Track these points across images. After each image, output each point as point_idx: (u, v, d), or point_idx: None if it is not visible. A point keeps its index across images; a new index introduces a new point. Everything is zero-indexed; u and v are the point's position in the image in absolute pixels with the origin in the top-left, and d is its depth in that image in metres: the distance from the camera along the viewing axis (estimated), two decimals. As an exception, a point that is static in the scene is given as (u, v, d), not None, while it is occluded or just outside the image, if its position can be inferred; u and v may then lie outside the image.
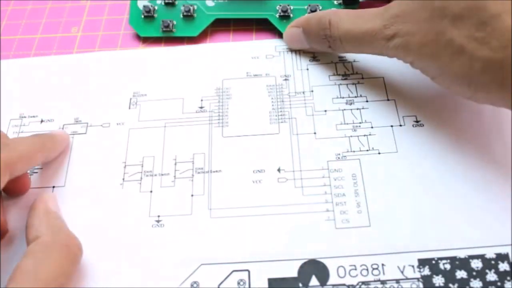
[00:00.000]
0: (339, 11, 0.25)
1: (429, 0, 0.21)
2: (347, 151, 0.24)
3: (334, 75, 0.27)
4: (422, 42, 0.21)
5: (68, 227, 0.22)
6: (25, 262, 0.19)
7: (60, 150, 0.25)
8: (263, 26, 0.30)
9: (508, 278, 0.21)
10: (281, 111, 0.26)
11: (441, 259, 0.21)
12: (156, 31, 0.30)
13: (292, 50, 0.28)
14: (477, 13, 0.19)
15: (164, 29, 0.29)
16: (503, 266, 0.21)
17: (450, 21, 0.20)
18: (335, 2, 0.29)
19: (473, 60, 0.19)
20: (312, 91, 0.27)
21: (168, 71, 0.28)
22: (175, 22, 0.29)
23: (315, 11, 0.29)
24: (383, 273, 0.21)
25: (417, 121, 0.25)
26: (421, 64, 0.22)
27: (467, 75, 0.20)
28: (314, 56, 0.28)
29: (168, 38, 0.30)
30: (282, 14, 0.29)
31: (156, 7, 0.30)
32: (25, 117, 0.27)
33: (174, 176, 0.24)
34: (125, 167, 0.25)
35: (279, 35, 0.29)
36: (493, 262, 0.21)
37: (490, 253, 0.21)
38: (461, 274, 0.21)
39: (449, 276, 0.21)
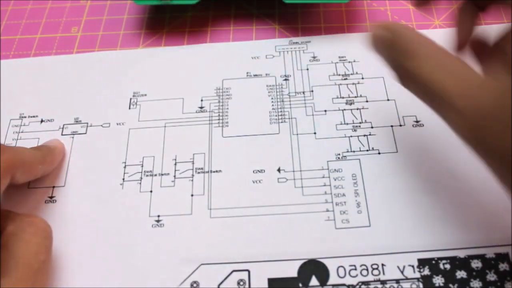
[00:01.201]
0: (435, 47, 0.18)
1: None
2: (347, 151, 0.24)
3: (334, 75, 0.27)
4: None
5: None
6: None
7: (57, 163, 0.25)
8: (264, 26, 0.30)
9: (508, 278, 0.21)
10: (281, 111, 0.26)
11: (441, 259, 0.21)
12: None
13: (293, 50, 0.28)
14: None
15: None
16: (503, 266, 0.21)
17: None
18: None
19: None
20: (312, 91, 0.27)
21: (168, 71, 0.28)
22: (173, -10, 0.29)
23: None
24: (383, 273, 0.21)
25: (417, 121, 0.25)
26: None
27: None
28: (314, 56, 0.28)
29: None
30: None
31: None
32: (25, 117, 0.27)
33: (174, 176, 0.24)
34: (125, 167, 0.25)
35: (279, 35, 0.29)
36: (493, 262, 0.21)
37: (490, 253, 0.21)
38: (461, 274, 0.21)
39: (449, 276, 0.21)
